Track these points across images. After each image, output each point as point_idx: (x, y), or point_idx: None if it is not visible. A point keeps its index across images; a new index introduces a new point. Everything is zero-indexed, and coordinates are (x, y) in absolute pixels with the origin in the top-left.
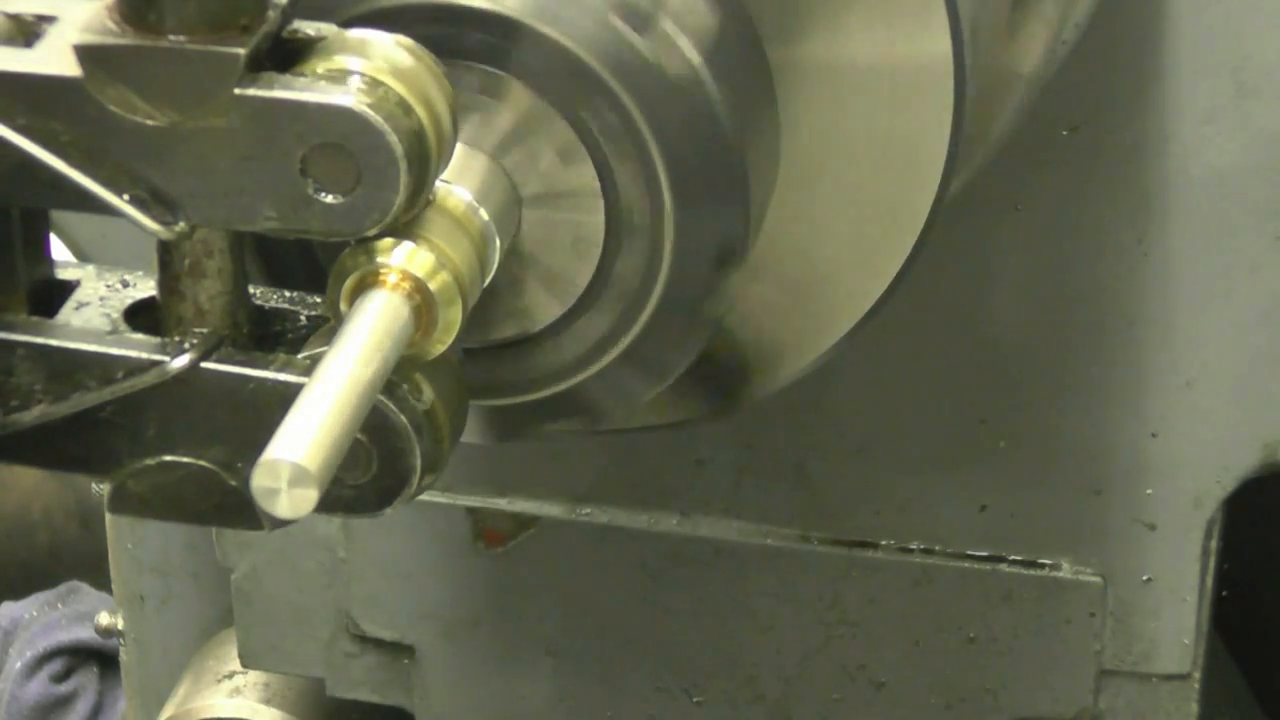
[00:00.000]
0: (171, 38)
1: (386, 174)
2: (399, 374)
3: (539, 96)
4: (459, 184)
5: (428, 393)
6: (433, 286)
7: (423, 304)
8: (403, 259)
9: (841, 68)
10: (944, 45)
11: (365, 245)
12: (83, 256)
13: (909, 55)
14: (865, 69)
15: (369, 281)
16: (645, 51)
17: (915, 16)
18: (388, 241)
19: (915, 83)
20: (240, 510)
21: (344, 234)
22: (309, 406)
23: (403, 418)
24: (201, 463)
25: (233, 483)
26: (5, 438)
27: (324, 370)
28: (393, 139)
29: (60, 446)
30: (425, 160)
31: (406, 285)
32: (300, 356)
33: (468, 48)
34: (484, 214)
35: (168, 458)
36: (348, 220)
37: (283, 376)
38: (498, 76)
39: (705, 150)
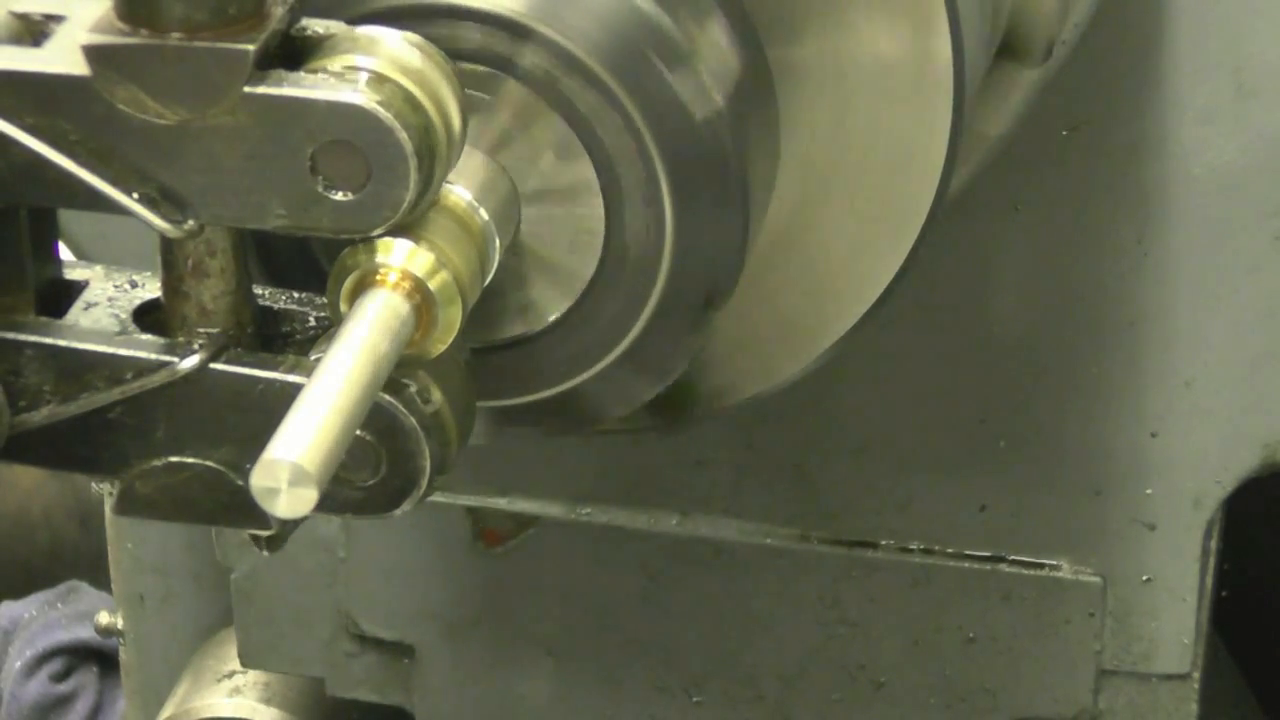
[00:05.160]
0: (180, 36)
1: (396, 171)
2: (406, 375)
3: (539, 97)
4: (459, 183)
5: (436, 394)
6: (432, 286)
7: (422, 303)
8: (403, 258)
9: (841, 68)
10: (944, 45)
11: (365, 245)
12: (83, 256)
13: (909, 55)
14: (865, 69)
15: (369, 281)
16: (645, 53)
17: (915, 16)
18: (388, 241)
19: (915, 83)
20: (248, 511)
21: (354, 231)
22: (308, 406)
23: (412, 419)
24: (209, 463)
25: (240, 483)
26: (14, 438)
27: (323, 370)
28: (402, 136)
29: (68, 447)
30: (435, 157)
31: (406, 285)
32: (310, 358)
33: (469, 47)
34: (484, 214)
35: (175, 458)
36: (358, 217)
37: (292, 378)
38: (498, 77)
39: (705, 151)
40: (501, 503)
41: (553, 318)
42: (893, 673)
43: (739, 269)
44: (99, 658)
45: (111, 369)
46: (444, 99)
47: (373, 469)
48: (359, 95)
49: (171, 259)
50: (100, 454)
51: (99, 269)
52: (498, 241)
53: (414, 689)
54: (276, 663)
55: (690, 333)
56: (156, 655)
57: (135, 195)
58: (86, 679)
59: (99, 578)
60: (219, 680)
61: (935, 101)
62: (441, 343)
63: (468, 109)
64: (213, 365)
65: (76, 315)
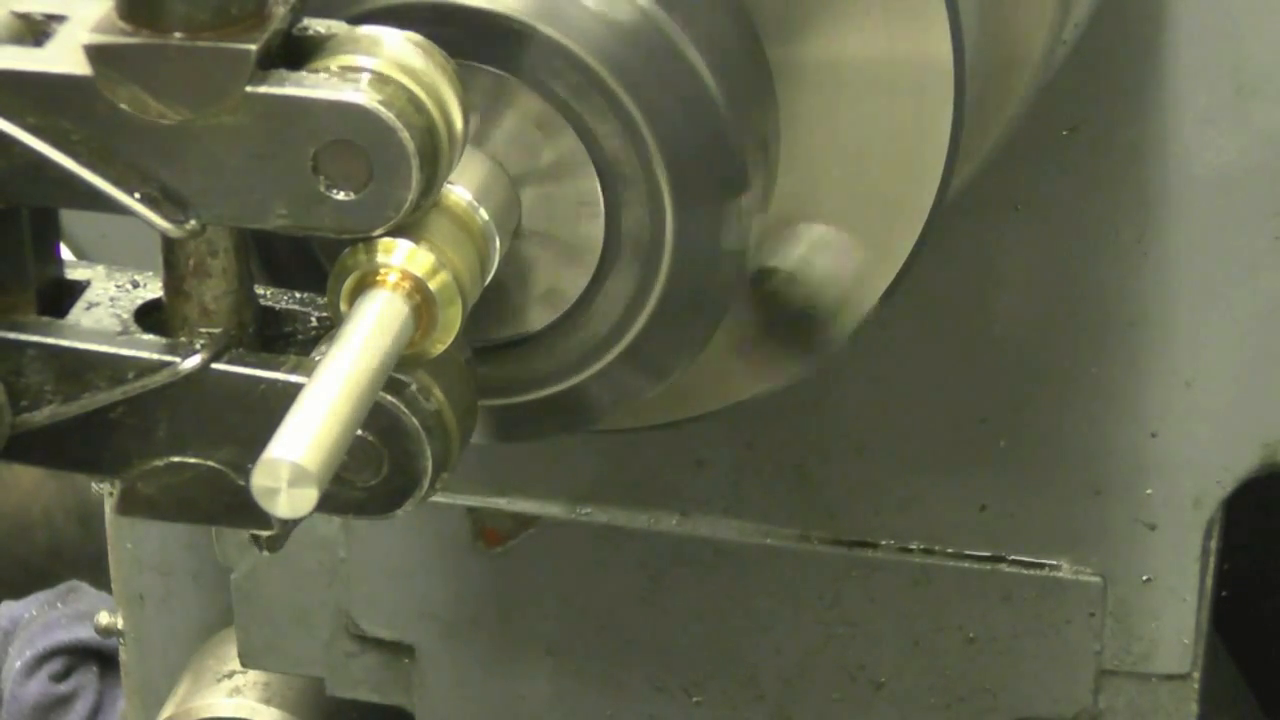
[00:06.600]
0: (181, 36)
1: (398, 171)
2: (407, 375)
3: (540, 98)
4: (459, 183)
5: (437, 394)
6: (432, 286)
7: (422, 304)
8: (403, 259)
9: (841, 67)
10: (944, 45)
11: (365, 245)
12: (84, 256)
13: (909, 55)
14: (865, 69)
15: (369, 281)
16: (647, 53)
17: (915, 16)
18: (388, 241)
19: (915, 82)
20: (249, 511)
21: (356, 231)
22: (309, 406)
23: (414, 419)
24: (210, 463)
25: (241, 483)
26: (15, 438)
27: (324, 370)
28: (404, 135)
29: (70, 447)
30: (437, 157)
31: (406, 285)
32: (312, 358)
33: (470, 48)
34: (484, 214)
35: (177, 459)
36: (360, 217)
37: (293, 378)
38: (499, 77)
39: (706, 153)
40: (501, 503)
41: (553, 317)
42: (893, 673)
43: (739, 269)
44: (99, 658)
45: (113, 369)
46: (446, 99)
47: (374, 469)
48: (361, 95)
49: (173, 259)
50: (102, 454)
51: (100, 269)
52: (498, 241)
53: (414, 689)
54: (276, 663)
55: (691, 332)
56: (156, 655)
57: (137, 195)
58: (86, 679)
59: (99, 578)
60: (219, 680)
61: (935, 101)
62: (441, 343)
63: (469, 109)
64: (214, 365)
65: (78, 315)
